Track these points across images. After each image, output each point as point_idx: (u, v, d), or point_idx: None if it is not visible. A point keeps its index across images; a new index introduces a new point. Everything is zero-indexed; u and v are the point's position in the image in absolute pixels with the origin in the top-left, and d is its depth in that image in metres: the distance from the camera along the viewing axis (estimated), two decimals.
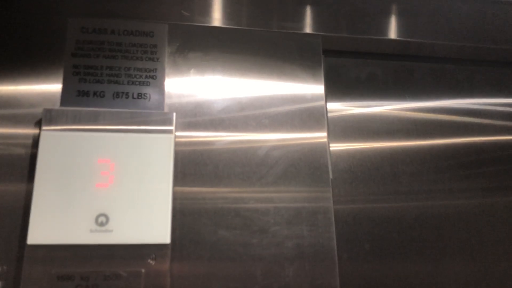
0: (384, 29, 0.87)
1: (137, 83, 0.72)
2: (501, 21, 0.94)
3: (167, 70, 0.74)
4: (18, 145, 0.66)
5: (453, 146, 0.88)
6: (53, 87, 0.70)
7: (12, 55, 0.70)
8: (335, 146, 0.82)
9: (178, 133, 0.71)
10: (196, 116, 0.73)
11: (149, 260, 0.61)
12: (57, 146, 0.64)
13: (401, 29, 0.88)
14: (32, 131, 0.67)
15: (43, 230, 0.60)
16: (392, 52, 0.91)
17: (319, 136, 0.76)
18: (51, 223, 0.61)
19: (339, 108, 0.85)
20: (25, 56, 0.71)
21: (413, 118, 0.88)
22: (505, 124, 0.92)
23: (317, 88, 0.79)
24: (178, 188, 0.68)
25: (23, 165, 0.65)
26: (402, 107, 0.88)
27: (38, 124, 0.67)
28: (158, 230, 0.63)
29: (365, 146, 0.84)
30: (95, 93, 0.70)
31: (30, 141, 0.67)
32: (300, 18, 0.83)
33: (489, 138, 0.90)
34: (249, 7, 0.82)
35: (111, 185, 0.64)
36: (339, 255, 0.73)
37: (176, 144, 0.70)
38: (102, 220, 0.62)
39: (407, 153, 0.85)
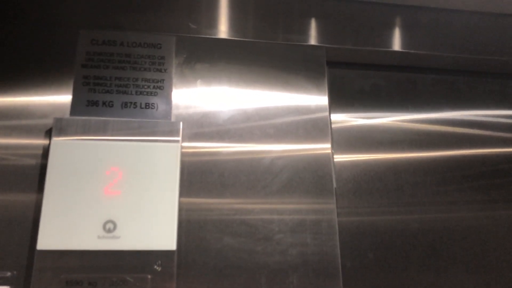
0: (387, 41, 0.89)
1: (145, 93, 0.74)
2: (503, 33, 0.95)
3: (174, 81, 0.76)
4: (29, 155, 0.68)
5: (457, 157, 0.88)
6: (63, 98, 0.72)
7: (24, 66, 0.72)
8: (339, 157, 0.83)
9: (185, 144, 0.72)
10: (203, 126, 0.74)
11: (155, 266, 0.62)
12: (67, 153, 0.66)
13: (404, 41, 0.89)
14: (42, 141, 0.69)
15: (52, 236, 0.61)
16: (395, 64, 0.92)
17: (323, 147, 0.77)
18: (60, 229, 0.62)
19: (343, 119, 0.86)
20: (36, 67, 0.73)
21: (416, 129, 0.88)
22: (508, 136, 0.92)
23: (321, 99, 0.80)
24: (185, 196, 0.69)
25: (34, 174, 0.67)
26: (405, 118, 0.89)
27: (48, 133, 0.69)
28: (164, 237, 0.64)
29: (369, 157, 0.84)
30: (104, 103, 0.72)
31: (40, 152, 0.68)
32: (305, 31, 0.85)
33: (492, 150, 0.90)
34: (255, 20, 0.84)
35: (119, 192, 0.65)
36: (343, 264, 0.74)
37: (183, 154, 0.71)
38: (109, 227, 0.63)
39: (411, 164, 0.86)
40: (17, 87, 0.71)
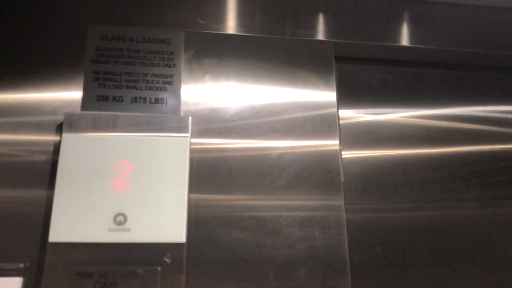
0: (395, 36, 0.89)
1: (154, 88, 0.74)
2: (511, 27, 0.95)
3: (183, 76, 0.76)
4: (40, 151, 0.68)
5: (465, 153, 0.88)
6: (74, 93, 0.72)
7: (34, 62, 0.73)
8: (347, 153, 0.83)
9: (194, 140, 0.73)
10: (211, 121, 0.75)
11: (165, 259, 0.63)
12: (78, 147, 0.66)
13: (412, 36, 0.89)
14: (53, 137, 0.69)
15: (64, 229, 0.62)
16: (403, 59, 0.92)
17: (331, 143, 0.77)
18: (72, 222, 0.63)
19: (351, 115, 0.86)
20: (46, 63, 0.73)
21: (424, 125, 0.88)
22: None
23: (329, 95, 0.80)
24: (194, 191, 0.70)
25: (45, 169, 0.68)
26: (414, 114, 0.89)
27: (59, 128, 0.70)
28: (174, 230, 0.64)
29: (377, 153, 0.84)
30: (114, 98, 0.73)
31: (51, 147, 0.69)
32: (313, 25, 0.85)
33: (501, 146, 0.90)
34: (263, 15, 0.84)
35: (129, 186, 0.66)
36: (351, 258, 0.74)
37: (192, 150, 0.71)
38: (120, 220, 0.64)
39: (419, 160, 0.85)
40: (27, 83, 0.72)
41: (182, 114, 0.74)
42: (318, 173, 0.75)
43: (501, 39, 0.93)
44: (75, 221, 0.63)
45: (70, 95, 0.72)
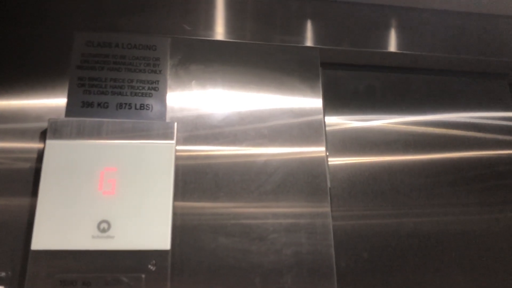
0: (381, 42, 0.89)
1: (140, 94, 0.74)
2: (497, 33, 0.96)
3: (169, 82, 0.76)
4: (24, 158, 0.68)
5: (451, 159, 0.88)
6: (58, 100, 0.72)
7: (19, 68, 0.73)
8: (334, 159, 0.83)
9: (180, 147, 0.72)
10: (197, 127, 0.75)
11: (149, 266, 0.62)
12: (62, 154, 0.66)
13: (398, 42, 0.90)
14: (37, 144, 0.69)
15: (47, 236, 0.62)
16: (389, 65, 0.92)
17: (318, 149, 0.77)
18: (55, 229, 0.62)
19: (338, 121, 0.86)
20: (31, 69, 0.73)
21: (410, 131, 0.89)
22: (502, 138, 0.92)
23: (315, 102, 0.81)
24: (179, 197, 0.69)
25: (29, 177, 0.67)
26: (400, 120, 0.89)
27: (44, 135, 0.69)
28: (158, 237, 0.64)
29: (363, 159, 0.84)
30: (99, 104, 0.72)
31: (35, 153, 0.68)
32: (299, 32, 0.86)
33: (486, 152, 0.91)
34: (250, 22, 0.84)
35: (113, 192, 0.65)
36: (337, 263, 0.74)
37: (177, 156, 0.71)
38: (104, 227, 0.63)
39: (405, 166, 0.86)
40: (11, 90, 0.71)
41: (168, 120, 0.74)
42: (305, 179, 0.75)
43: (486, 45, 0.94)
44: (58, 228, 0.62)
45: (55, 101, 0.72)
